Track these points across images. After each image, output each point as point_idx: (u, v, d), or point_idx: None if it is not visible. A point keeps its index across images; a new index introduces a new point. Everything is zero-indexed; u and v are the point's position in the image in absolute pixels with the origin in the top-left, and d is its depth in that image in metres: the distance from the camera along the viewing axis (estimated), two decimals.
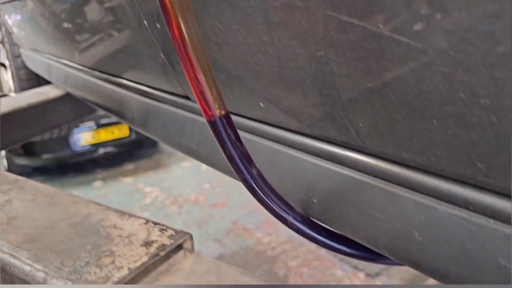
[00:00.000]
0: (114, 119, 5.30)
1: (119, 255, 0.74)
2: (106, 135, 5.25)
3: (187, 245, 0.80)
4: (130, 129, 5.40)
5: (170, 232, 0.79)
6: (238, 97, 0.68)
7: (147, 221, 0.83)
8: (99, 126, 5.20)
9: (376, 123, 0.49)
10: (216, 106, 0.51)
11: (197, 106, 0.86)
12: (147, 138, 5.70)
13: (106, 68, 1.14)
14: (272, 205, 0.58)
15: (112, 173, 5.44)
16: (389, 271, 3.49)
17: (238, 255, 3.95)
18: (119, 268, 0.71)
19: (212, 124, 0.52)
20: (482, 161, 0.42)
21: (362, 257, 0.65)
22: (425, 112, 0.43)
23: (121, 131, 5.31)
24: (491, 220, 0.44)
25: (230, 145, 0.53)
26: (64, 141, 5.09)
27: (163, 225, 0.82)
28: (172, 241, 0.77)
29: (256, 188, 0.57)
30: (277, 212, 0.59)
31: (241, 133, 0.57)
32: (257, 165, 0.58)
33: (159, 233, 0.79)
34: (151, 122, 1.01)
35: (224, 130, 0.52)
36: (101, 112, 5.61)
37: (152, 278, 0.71)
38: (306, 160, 0.63)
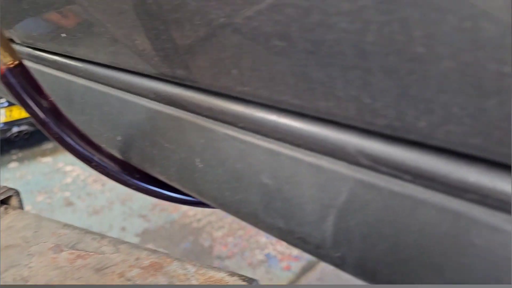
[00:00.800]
0: None
1: None
2: (19, 113, 4.92)
3: (13, 202, 0.72)
4: None
5: None
6: (35, 28, 0.61)
7: None
8: (12, 103, 4.85)
9: (152, 34, 0.44)
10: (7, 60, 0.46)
11: None
12: None
13: None
14: (71, 142, 0.52)
15: (29, 153, 5.13)
16: None
17: (164, 229, 3.89)
18: None
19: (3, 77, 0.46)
20: (236, 68, 0.38)
21: (177, 200, 0.60)
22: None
23: None
24: (258, 136, 0.41)
25: (21, 90, 0.47)
26: None
27: None
28: None
29: (48, 122, 0.50)
30: (78, 150, 0.53)
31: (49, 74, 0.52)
32: (54, 100, 0.51)
33: None
34: None
35: (18, 80, 0.47)
36: None
37: None
38: (110, 94, 0.57)
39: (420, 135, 0.27)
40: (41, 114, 0.49)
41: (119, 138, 0.56)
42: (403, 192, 0.30)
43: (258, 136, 0.41)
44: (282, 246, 3.53)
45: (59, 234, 0.65)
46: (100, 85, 0.59)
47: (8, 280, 0.56)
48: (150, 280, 0.55)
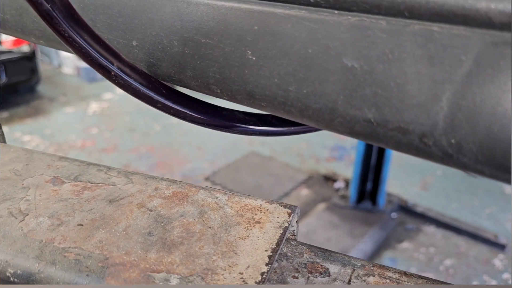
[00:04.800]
0: None
1: None
2: None
3: None
4: (0, 71, 4.77)
5: None
6: None
7: None
8: None
9: None
10: None
11: None
12: (23, 82, 5.11)
13: None
14: (84, 44, 0.42)
15: None
16: None
17: None
18: None
19: None
20: None
21: (209, 124, 0.52)
22: None
23: None
24: (335, 12, 0.33)
25: None
26: None
27: None
28: None
29: (55, 14, 0.40)
30: (93, 56, 0.43)
31: None
32: None
33: None
34: None
35: None
36: None
37: None
38: None
39: None
40: (44, 4, 0.39)
41: (134, 43, 0.47)
42: None
43: (338, 12, 0.33)
44: None
45: (56, 166, 0.55)
46: None
47: (3, 214, 0.46)
48: (177, 210, 0.47)
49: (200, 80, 0.42)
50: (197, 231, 0.44)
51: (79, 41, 0.42)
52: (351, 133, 0.34)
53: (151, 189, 0.51)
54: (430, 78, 0.29)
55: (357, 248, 3.11)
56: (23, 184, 0.51)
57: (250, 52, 0.38)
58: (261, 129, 0.52)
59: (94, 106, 5.29)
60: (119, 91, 5.79)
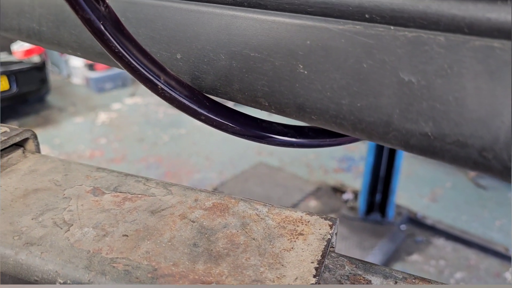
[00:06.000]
0: None
1: None
2: None
3: (29, 146, 0.63)
4: (11, 81, 4.81)
5: (3, 129, 0.61)
6: None
7: None
8: None
9: None
10: None
11: None
12: (33, 92, 5.15)
13: None
14: (132, 59, 0.43)
15: None
16: None
17: None
18: None
19: None
20: None
21: (249, 135, 0.52)
22: None
23: None
24: (391, 27, 0.34)
25: None
26: None
27: None
28: (3, 138, 0.59)
29: (107, 32, 0.41)
30: (140, 71, 0.44)
31: None
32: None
33: None
34: None
35: None
36: None
37: None
38: (166, 6, 0.48)
39: None
40: (97, 22, 0.40)
41: (178, 56, 0.48)
42: None
43: (394, 28, 0.34)
44: None
45: (94, 177, 0.56)
46: None
47: (48, 224, 0.47)
48: (219, 221, 0.47)
49: (247, 93, 0.43)
50: (241, 242, 0.44)
51: (129, 56, 0.43)
52: (406, 146, 0.35)
53: (191, 200, 0.51)
54: (491, 92, 0.30)
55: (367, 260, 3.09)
56: (64, 194, 0.52)
57: (301, 66, 0.38)
58: (298, 141, 0.53)
59: (102, 116, 5.32)
60: (128, 101, 5.82)
